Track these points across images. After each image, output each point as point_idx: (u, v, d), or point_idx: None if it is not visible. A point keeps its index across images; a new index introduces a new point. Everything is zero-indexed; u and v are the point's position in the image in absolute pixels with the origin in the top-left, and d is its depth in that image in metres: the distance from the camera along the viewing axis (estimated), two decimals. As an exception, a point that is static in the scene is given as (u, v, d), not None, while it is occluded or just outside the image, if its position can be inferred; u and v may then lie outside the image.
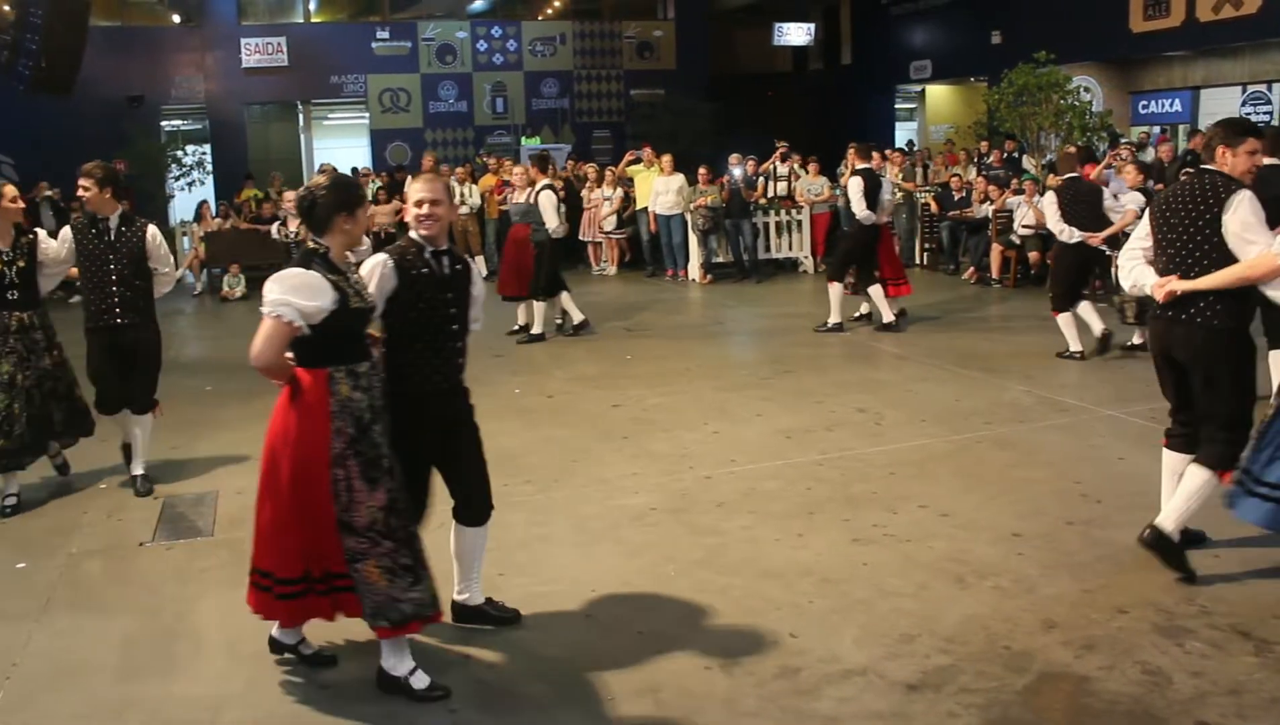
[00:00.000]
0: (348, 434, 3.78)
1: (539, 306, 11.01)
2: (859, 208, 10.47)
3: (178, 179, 20.67)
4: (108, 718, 3.88)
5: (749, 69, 27.65)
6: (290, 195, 9.91)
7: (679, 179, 15.14)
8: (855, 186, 10.54)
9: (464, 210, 16.16)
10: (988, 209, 14.40)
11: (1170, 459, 4.88)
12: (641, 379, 9.03)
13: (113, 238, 6.19)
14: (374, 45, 22.79)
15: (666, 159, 15.30)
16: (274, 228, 9.92)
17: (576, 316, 11.20)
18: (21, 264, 6.03)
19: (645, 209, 15.62)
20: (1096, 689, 3.77)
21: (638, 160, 16.27)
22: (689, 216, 15.03)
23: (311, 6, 23.49)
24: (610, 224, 16.35)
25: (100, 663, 4.29)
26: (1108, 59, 19.68)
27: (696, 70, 24.55)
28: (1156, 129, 19.47)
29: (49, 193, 16.64)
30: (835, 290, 10.89)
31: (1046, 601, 4.47)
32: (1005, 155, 16.82)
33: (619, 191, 16.22)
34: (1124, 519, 5.36)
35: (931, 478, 6.17)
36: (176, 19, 22.66)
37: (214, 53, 22.02)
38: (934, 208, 15.54)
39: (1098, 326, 9.15)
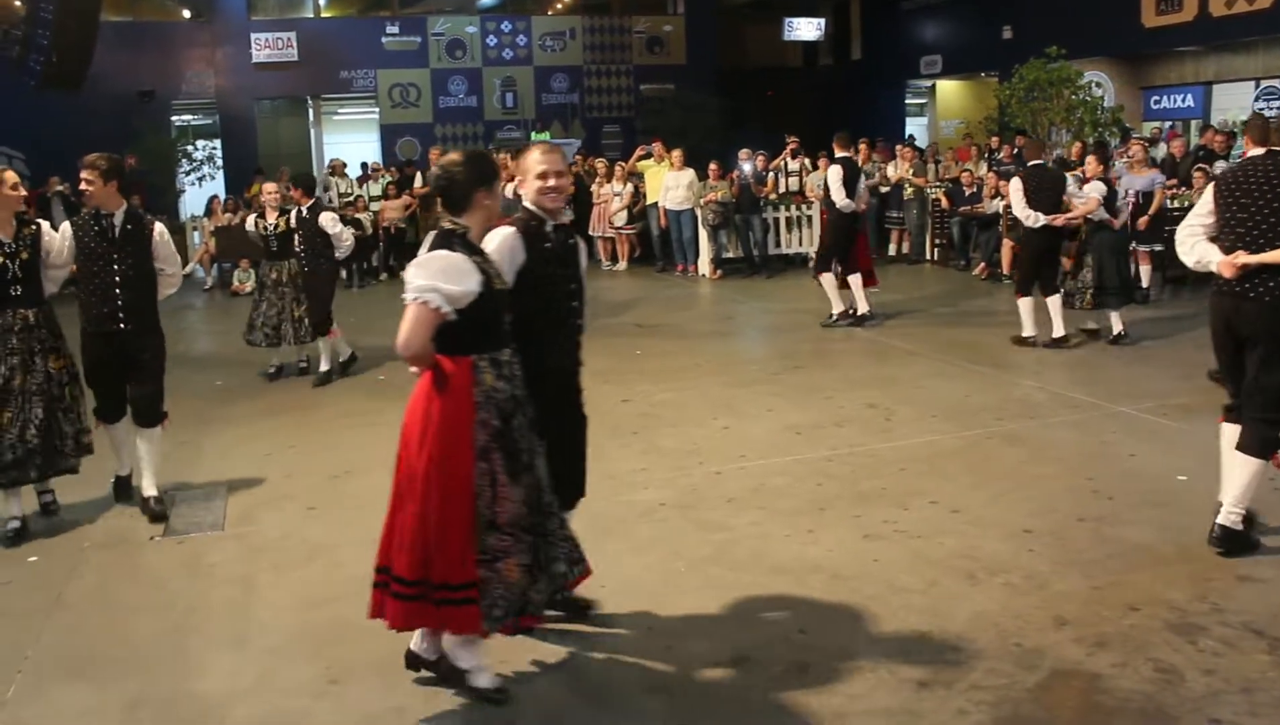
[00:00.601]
0: (492, 426, 3.61)
1: None
2: (839, 196, 10.54)
3: (188, 174, 20.70)
4: (118, 712, 3.89)
5: (759, 64, 27.58)
6: (270, 186, 9.59)
7: (689, 174, 15.12)
8: (835, 175, 10.63)
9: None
10: (998, 205, 14.34)
11: (1230, 432, 4.93)
12: (651, 374, 9.02)
13: (117, 235, 5.77)
14: (384, 40, 22.78)
15: (677, 154, 15.29)
16: (250, 220, 9.49)
17: None
18: (25, 256, 5.56)
19: (655, 204, 15.61)
20: (1108, 686, 3.76)
21: (648, 155, 16.25)
22: (699, 212, 15.01)
23: (321, 1, 23.50)
24: (620, 219, 16.35)
25: (111, 657, 4.30)
26: (1119, 54, 19.60)
27: (706, 65, 24.51)
28: (1168, 124, 19.39)
29: (60, 188, 16.65)
30: (828, 281, 10.92)
31: (1057, 598, 4.46)
32: (1016, 151, 16.75)
33: (629, 187, 16.22)
34: (1135, 516, 5.35)
35: (942, 474, 6.15)
36: (187, 14, 22.68)
37: (224, 48, 22.03)
38: (945, 203, 15.48)
39: (1059, 328, 9.43)
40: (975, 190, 15.08)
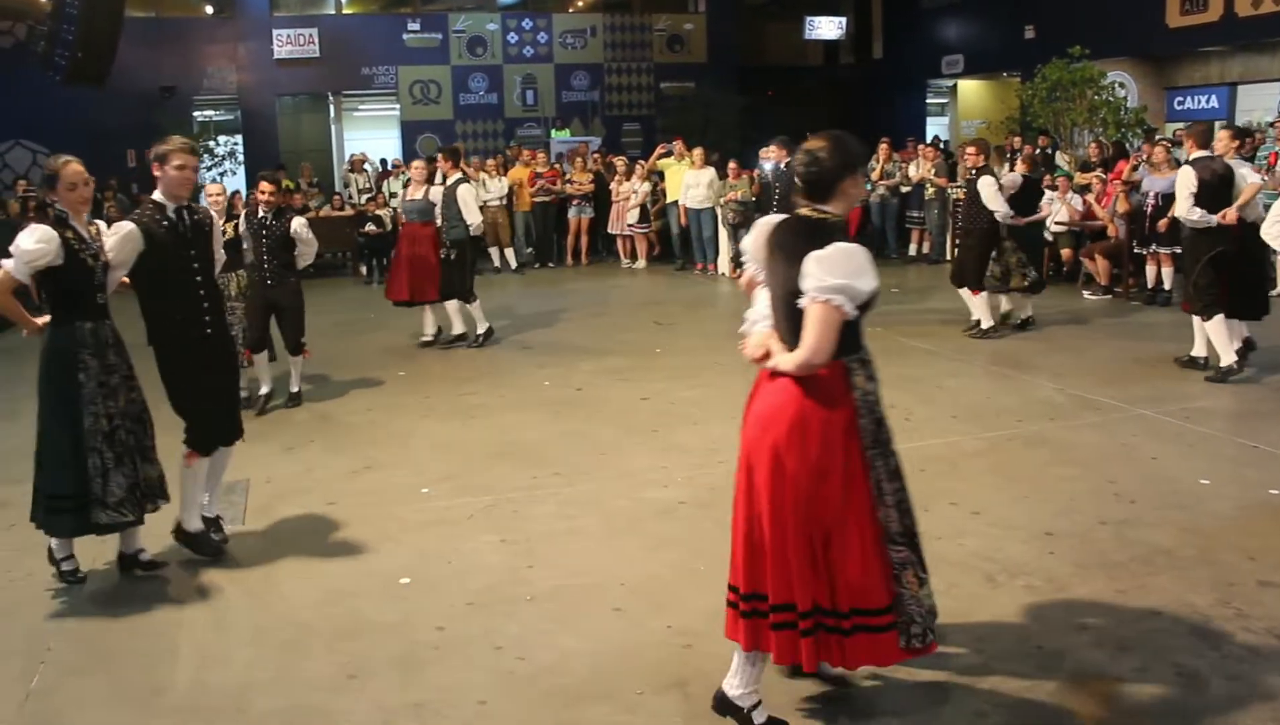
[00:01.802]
0: (871, 431, 3.38)
1: (452, 307, 10.31)
2: (1006, 209, 10.55)
3: (210, 169, 20.79)
4: (138, 704, 3.91)
5: (780, 62, 27.51)
6: (216, 187, 8.59)
7: (709, 172, 15.11)
8: None
9: (493, 201, 16.22)
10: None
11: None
12: (670, 372, 9.01)
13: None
14: (405, 37, 22.82)
15: (697, 152, 15.28)
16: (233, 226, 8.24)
17: (462, 327, 10.47)
18: (104, 258, 4.90)
19: (675, 202, 15.60)
20: (1130, 691, 3.73)
21: (669, 153, 16.25)
22: (719, 210, 14.99)
23: (343, -2, 23.60)
24: (633, 217, 16.33)
25: (130, 650, 4.33)
26: (1143, 54, 19.45)
27: (727, 64, 24.47)
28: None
29: (84, 182, 16.77)
30: (984, 296, 10.78)
31: (1079, 601, 4.43)
32: (1038, 151, 16.67)
33: (645, 185, 16.22)
34: (1158, 519, 5.31)
35: (962, 475, 6.12)
36: (209, 10, 22.76)
37: (246, 44, 22.11)
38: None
39: (1003, 302, 10.44)
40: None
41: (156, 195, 5.08)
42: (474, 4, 23.62)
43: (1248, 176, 8.29)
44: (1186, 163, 8.37)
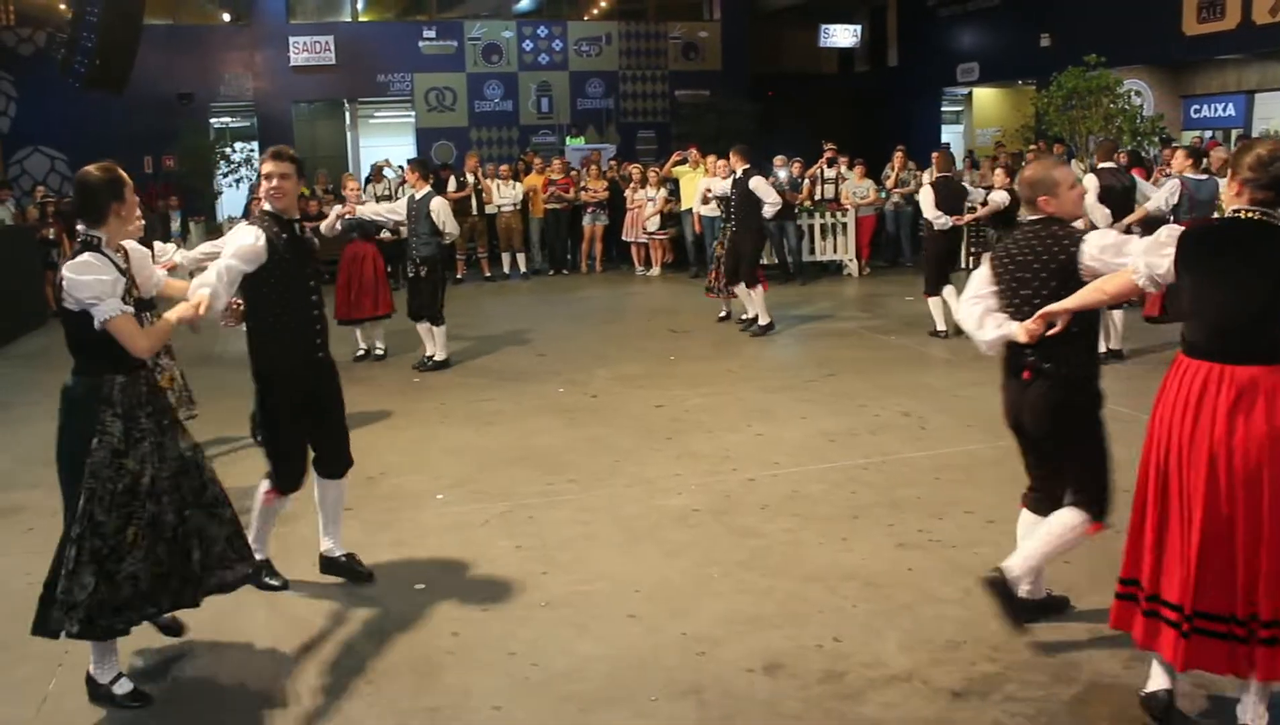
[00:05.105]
0: None
1: (423, 329, 9.87)
2: (774, 202, 10.97)
3: (226, 175, 20.93)
4: (156, 706, 3.93)
5: (795, 70, 27.52)
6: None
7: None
8: (764, 182, 11.16)
9: (507, 207, 16.28)
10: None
11: None
12: (684, 379, 9.01)
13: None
14: (420, 44, 22.90)
15: (712, 160, 15.26)
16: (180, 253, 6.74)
17: (434, 349, 9.94)
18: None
19: (690, 210, 15.60)
20: (1146, 700, 3.71)
21: (684, 161, 16.26)
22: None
23: (359, 5, 23.65)
24: (653, 225, 16.36)
25: (148, 652, 4.34)
26: (1160, 62, 19.40)
27: (742, 71, 24.50)
28: (1208, 133, 19.17)
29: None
30: (745, 291, 11.24)
31: (1095, 610, 4.39)
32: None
33: (662, 192, 16.23)
34: (1174, 528, 5.28)
35: (977, 483, 6.10)
36: (226, 17, 22.90)
37: (263, 51, 22.23)
38: (1008, 203, 15.34)
39: (942, 323, 10.56)
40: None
41: (267, 205, 4.67)
42: (489, 11, 23.71)
43: (1146, 192, 9.76)
44: (1092, 171, 9.36)
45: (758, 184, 10.91)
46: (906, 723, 3.65)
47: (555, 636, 4.36)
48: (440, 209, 9.53)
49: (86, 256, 3.81)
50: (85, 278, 3.74)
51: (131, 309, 3.89)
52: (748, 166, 11.03)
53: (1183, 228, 3.54)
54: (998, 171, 11.56)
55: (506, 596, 4.78)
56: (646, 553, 5.25)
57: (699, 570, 5.00)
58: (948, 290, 10.35)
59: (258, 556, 4.68)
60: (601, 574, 4.99)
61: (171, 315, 4.08)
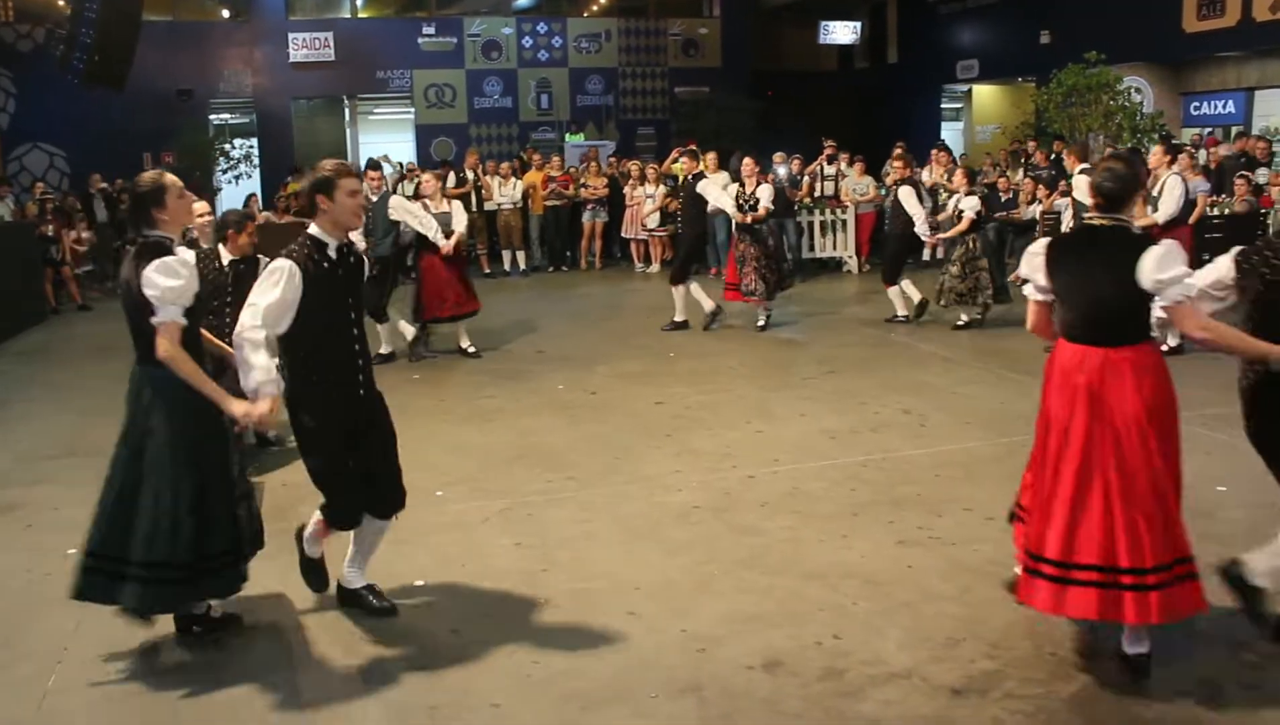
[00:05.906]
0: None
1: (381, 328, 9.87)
2: (733, 206, 11.12)
3: (225, 172, 20.92)
4: (153, 705, 3.93)
5: (794, 67, 27.52)
6: (201, 206, 7.03)
7: (723, 177, 15.06)
8: (719, 184, 11.53)
9: (507, 204, 16.27)
10: (1035, 210, 14.24)
11: None
12: (684, 377, 9.01)
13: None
14: (420, 41, 22.90)
15: (711, 157, 15.24)
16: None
17: (386, 347, 10.01)
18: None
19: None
20: (1147, 697, 3.72)
21: (684, 156, 16.25)
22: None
23: (359, 2, 23.66)
24: (653, 222, 16.35)
25: (149, 651, 4.34)
26: (1160, 59, 19.39)
27: (741, 68, 24.49)
28: (1208, 130, 19.18)
29: (103, 186, 16.89)
30: (685, 290, 11.32)
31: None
32: (1052, 156, 16.64)
33: (661, 189, 16.23)
34: (1174, 526, 5.28)
35: (977, 481, 6.11)
36: (225, 14, 22.90)
37: (262, 47, 22.23)
38: (981, 209, 15.37)
39: (916, 295, 11.18)
40: (1011, 196, 14.98)
41: (314, 230, 4.27)
42: (489, 8, 23.70)
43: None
44: (1079, 174, 9.34)
45: (705, 186, 11.19)
46: (906, 720, 3.65)
47: (555, 634, 4.36)
48: (398, 206, 9.69)
49: (169, 260, 4.00)
50: (170, 282, 3.97)
51: (185, 321, 4.05)
52: (699, 171, 11.50)
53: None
54: (958, 174, 11.36)
55: (506, 594, 4.78)
56: (646, 550, 5.25)
57: (699, 568, 5.00)
58: (906, 283, 11.25)
59: (356, 584, 4.64)
60: (601, 572, 5.00)
61: (234, 407, 4.09)
